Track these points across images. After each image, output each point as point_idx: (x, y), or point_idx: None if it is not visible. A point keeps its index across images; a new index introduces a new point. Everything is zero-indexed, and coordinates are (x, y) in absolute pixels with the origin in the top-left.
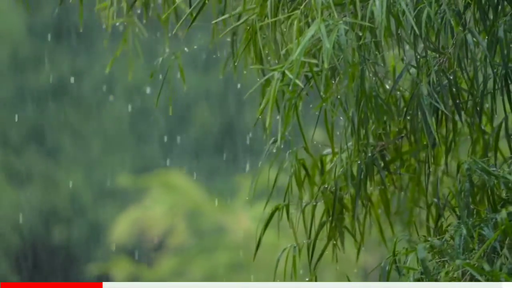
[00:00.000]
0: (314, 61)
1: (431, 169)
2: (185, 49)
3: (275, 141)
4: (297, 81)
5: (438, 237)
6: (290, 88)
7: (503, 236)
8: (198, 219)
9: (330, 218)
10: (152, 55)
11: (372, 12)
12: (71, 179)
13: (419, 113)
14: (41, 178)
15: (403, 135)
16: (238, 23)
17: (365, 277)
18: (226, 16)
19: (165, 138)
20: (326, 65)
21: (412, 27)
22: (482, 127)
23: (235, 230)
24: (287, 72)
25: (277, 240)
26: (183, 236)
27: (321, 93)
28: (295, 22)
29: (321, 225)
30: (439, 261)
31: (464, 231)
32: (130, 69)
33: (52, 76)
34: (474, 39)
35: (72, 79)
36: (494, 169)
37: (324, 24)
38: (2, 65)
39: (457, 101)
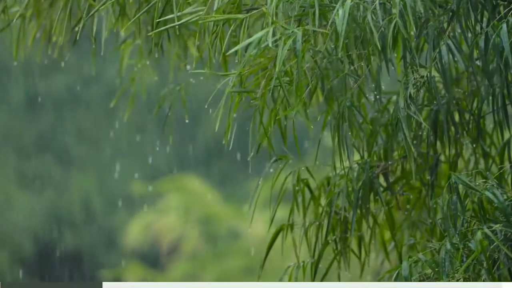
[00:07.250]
0: (261, 59)
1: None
2: (191, 80)
3: (276, 160)
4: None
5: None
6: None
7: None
8: (211, 224)
9: (335, 238)
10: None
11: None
12: (84, 184)
13: (401, 129)
14: (53, 183)
15: (406, 155)
16: (181, 21)
17: None
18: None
19: (178, 143)
20: (277, 69)
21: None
22: (485, 148)
23: (248, 235)
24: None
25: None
26: (196, 241)
27: (291, 103)
28: (243, 23)
29: (325, 245)
30: (427, 276)
31: (448, 245)
32: (129, 107)
33: (65, 83)
34: (451, 52)
35: (84, 86)
36: (479, 182)
37: (273, 28)
38: (16, 71)
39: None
